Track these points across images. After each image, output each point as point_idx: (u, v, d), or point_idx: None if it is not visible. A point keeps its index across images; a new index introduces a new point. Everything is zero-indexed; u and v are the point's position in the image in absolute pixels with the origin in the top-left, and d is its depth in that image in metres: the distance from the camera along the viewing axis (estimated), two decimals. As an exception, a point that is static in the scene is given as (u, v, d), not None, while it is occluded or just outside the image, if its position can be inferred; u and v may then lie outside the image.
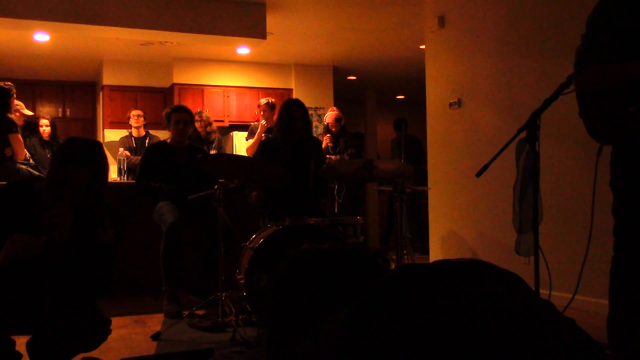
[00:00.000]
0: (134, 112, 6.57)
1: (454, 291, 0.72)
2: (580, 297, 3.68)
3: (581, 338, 0.70)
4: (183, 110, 4.45)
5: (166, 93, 8.59)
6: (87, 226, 2.23)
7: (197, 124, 6.30)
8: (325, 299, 0.86)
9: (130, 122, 6.56)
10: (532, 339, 0.65)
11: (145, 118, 6.63)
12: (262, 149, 4.37)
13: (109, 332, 2.37)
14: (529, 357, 0.63)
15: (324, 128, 6.66)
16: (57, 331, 2.17)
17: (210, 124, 6.50)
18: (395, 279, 0.76)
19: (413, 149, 7.66)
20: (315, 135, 6.07)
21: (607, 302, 2.25)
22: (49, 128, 6.57)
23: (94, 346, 2.35)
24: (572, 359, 0.65)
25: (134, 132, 6.56)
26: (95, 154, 2.29)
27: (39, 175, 5.04)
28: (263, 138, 6.01)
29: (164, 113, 4.51)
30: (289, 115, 4.12)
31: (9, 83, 5.15)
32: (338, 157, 6.44)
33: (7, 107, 5.02)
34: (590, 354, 0.68)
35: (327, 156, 6.24)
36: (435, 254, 5.47)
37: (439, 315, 0.67)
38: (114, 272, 2.38)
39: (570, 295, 2.79)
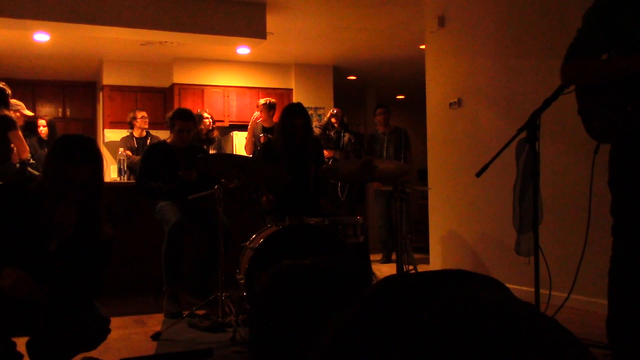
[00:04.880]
0: (140, 114, 6.58)
1: (440, 298, 0.74)
2: (580, 296, 3.69)
3: (563, 336, 0.71)
4: (188, 118, 4.35)
5: (166, 93, 8.59)
6: (90, 223, 2.24)
7: (202, 123, 6.30)
8: (306, 313, 0.88)
9: (134, 123, 6.56)
10: (515, 339, 0.66)
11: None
12: (264, 151, 4.36)
13: (108, 331, 2.37)
14: (513, 356, 0.64)
15: (326, 125, 6.64)
16: (57, 331, 2.17)
17: (212, 123, 6.53)
18: (384, 289, 0.77)
19: (398, 143, 6.73)
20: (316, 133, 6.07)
21: (605, 302, 2.25)
22: (46, 128, 6.58)
23: (94, 346, 2.35)
24: (554, 357, 0.66)
25: (136, 133, 6.57)
26: (92, 150, 2.30)
27: (38, 175, 5.04)
28: (262, 138, 6.02)
29: (167, 116, 4.44)
30: (290, 123, 4.08)
31: (2, 83, 5.10)
32: (339, 152, 6.45)
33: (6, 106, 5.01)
34: (572, 352, 0.69)
35: (326, 153, 6.20)
36: (435, 253, 5.47)
37: (427, 321, 0.69)
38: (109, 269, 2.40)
39: (571, 295, 2.80)
